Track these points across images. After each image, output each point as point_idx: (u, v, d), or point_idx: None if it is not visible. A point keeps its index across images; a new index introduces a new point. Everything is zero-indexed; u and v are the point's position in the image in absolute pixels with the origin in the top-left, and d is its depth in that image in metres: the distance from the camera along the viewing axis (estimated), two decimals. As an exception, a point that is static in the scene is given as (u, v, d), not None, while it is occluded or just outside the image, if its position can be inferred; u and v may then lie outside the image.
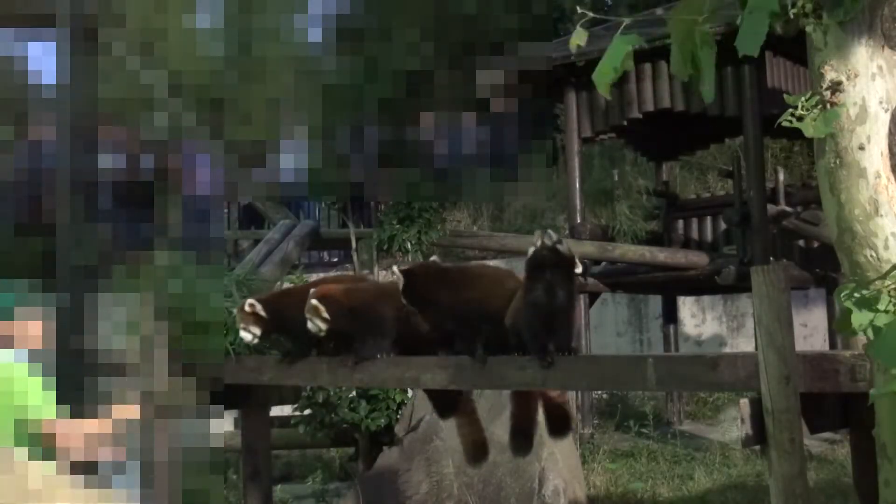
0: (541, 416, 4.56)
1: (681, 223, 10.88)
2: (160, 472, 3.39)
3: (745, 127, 9.25)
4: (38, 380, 3.32)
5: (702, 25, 2.90)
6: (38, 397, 3.29)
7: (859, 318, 2.66)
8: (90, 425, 3.35)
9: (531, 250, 3.95)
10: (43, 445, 3.24)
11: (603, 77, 2.97)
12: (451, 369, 4.27)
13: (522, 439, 4.55)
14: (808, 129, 2.96)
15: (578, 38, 3.11)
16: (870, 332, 2.65)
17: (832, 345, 10.32)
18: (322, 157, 4.33)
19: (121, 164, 3.95)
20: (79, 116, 4.01)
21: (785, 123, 2.98)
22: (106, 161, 3.94)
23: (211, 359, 3.68)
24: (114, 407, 3.42)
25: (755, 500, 6.98)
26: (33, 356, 3.36)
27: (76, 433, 3.31)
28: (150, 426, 3.44)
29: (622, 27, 3.02)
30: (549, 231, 4.01)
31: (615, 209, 10.61)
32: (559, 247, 3.93)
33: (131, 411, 3.45)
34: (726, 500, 7.28)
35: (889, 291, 2.69)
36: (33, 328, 3.37)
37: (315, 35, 4.27)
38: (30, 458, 3.21)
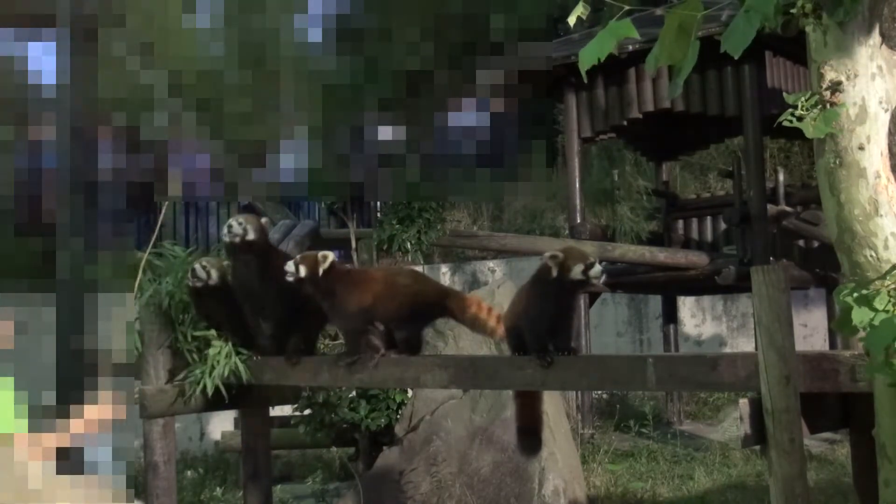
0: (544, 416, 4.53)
1: (681, 223, 10.86)
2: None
3: (745, 127, 9.23)
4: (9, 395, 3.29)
5: (699, 20, 2.91)
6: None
7: (860, 315, 2.67)
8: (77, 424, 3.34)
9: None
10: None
11: (587, 57, 2.99)
12: (451, 369, 4.26)
13: (530, 439, 4.47)
14: (808, 129, 2.96)
15: (578, 11, 3.12)
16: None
17: (832, 345, 10.31)
18: (322, 157, 4.33)
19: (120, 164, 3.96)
20: (79, 116, 4.01)
21: (785, 123, 2.99)
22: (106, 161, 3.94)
23: None
24: (99, 406, 3.41)
25: (755, 500, 6.97)
26: (2, 356, 3.32)
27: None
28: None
29: (619, 14, 3.02)
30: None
31: (615, 209, 10.59)
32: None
33: (117, 411, 3.44)
34: (726, 500, 7.27)
35: (888, 291, 2.69)
36: (4, 328, 3.33)
37: (315, 35, 4.27)
38: None
